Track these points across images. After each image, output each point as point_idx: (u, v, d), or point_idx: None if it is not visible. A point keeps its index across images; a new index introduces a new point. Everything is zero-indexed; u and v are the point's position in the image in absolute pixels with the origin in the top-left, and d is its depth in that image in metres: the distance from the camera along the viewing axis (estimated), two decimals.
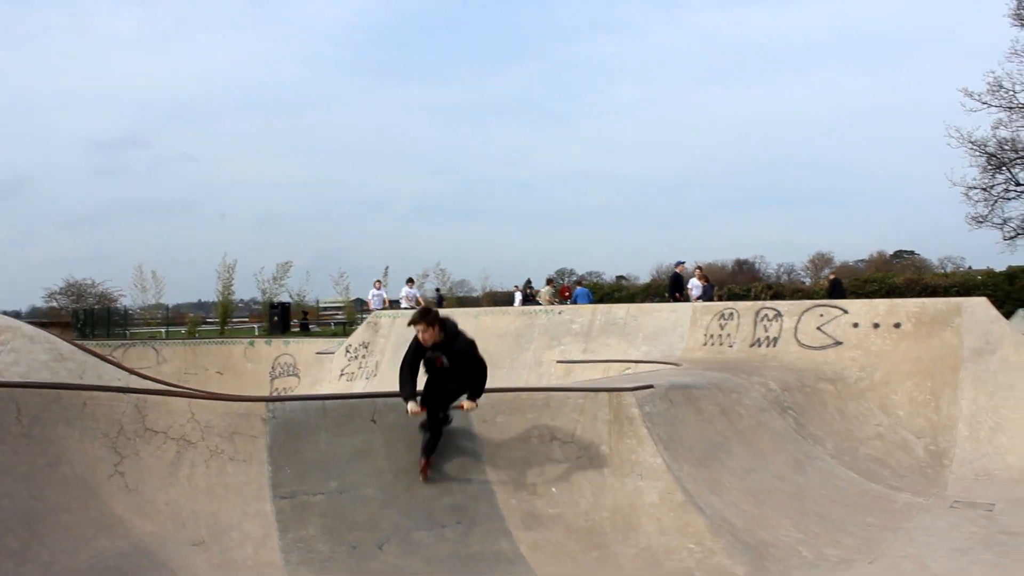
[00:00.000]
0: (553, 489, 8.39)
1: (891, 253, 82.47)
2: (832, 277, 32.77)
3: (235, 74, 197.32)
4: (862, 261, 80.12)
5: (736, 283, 57.14)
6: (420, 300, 29.73)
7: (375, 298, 27.84)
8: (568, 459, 8.68)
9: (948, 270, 64.81)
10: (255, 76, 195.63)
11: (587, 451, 8.81)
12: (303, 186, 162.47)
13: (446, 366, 7.92)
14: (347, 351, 22.17)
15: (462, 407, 8.13)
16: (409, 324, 7.99)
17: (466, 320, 20.81)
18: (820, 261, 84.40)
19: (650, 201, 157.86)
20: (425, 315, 7.93)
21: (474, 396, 8.14)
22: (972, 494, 10.49)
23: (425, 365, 7.95)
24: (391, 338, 21.26)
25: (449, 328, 7.96)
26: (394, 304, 27.99)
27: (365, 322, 23.45)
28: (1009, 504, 9.95)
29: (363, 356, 21.23)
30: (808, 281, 68.51)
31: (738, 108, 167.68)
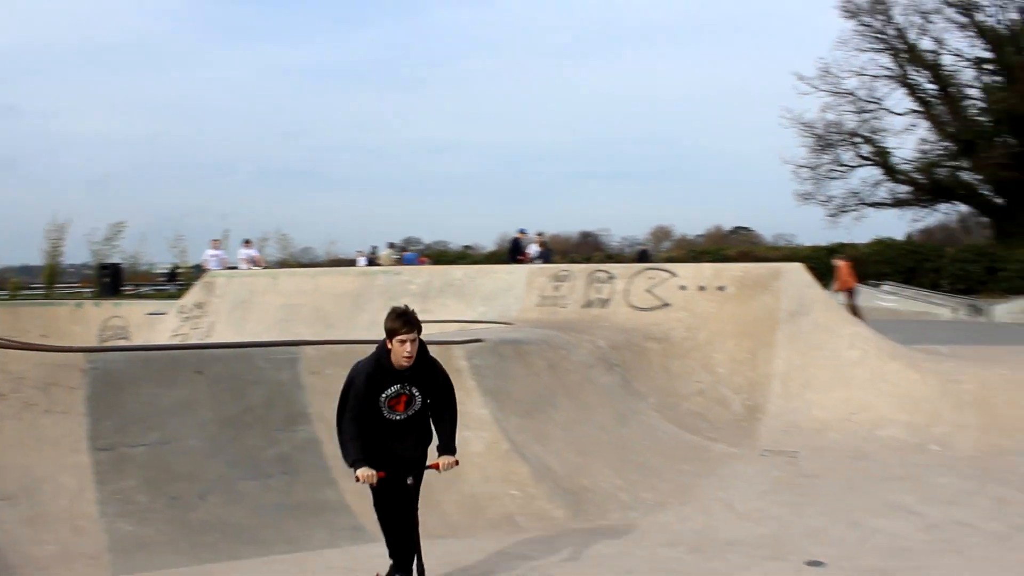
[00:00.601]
0: None
1: (729, 229, 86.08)
2: (641, 249, 34.33)
3: (69, 20, 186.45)
4: (701, 236, 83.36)
5: (579, 253, 58.45)
6: (258, 260, 28.99)
7: (212, 259, 26.88)
8: None
9: (781, 246, 68.25)
10: (93, 24, 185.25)
11: None
12: (141, 146, 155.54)
13: (416, 408, 5.57)
14: (180, 312, 21.56)
15: (437, 467, 5.55)
16: (391, 330, 5.39)
17: (304, 280, 20.69)
18: (660, 234, 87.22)
19: (500, 172, 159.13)
20: (412, 319, 5.40)
21: (451, 446, 5.61)
22: (780, 444, 11.19)
23: (384, 411, 5.49)
24: (227, 298, 20.79)
25: (424, 346, 5.58)
26: (232, 268, 27.22)
27: (200, 282, 22.80)
28: (811, 451, 10.73)
29: (197, 317, 20.69)
30: (651, 252, 70.64)
31: (588, 83, 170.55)
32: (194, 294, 22.10)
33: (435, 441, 5.68)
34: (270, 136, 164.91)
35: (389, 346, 5.42)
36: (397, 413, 5.51)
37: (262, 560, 6.65)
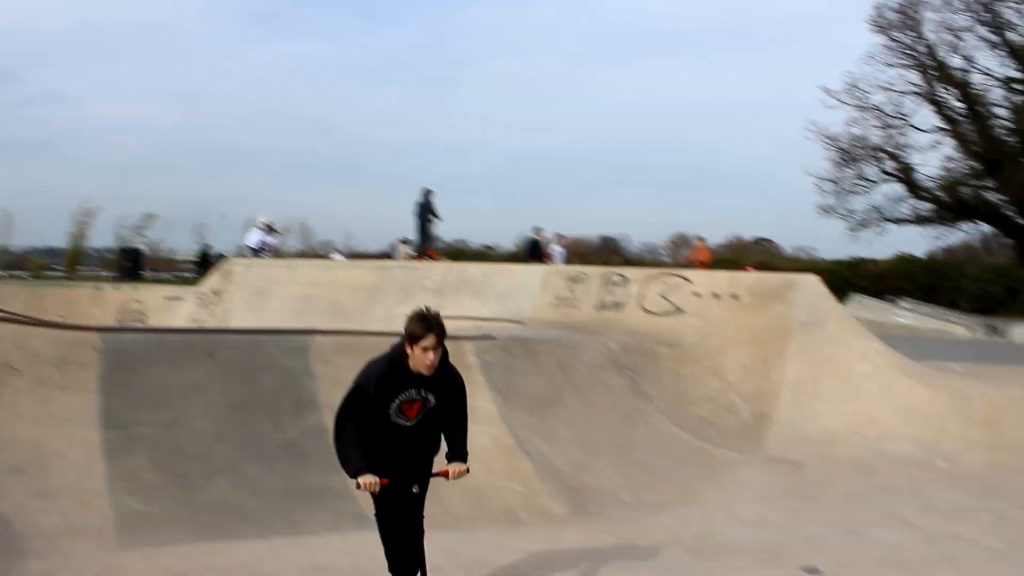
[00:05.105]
0: None
1: (750, 239, 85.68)
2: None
3: (111, 10, 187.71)
4: (722, 245, 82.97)
5: (598, 257, 58.45)
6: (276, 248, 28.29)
7: (255, 240, 25.51)
8: None
9: (801, 258, 67.93)
10: (132, 14, 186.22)
11: None
12: (168, 134, 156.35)
13: (427, 413, 5.08)
14: (198, 298, 21.73)
15: (446, 474, 5.07)
16: (412, 335, 4.80)
17: (321, 272, 20.87)
18: (680, 241, 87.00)
19: (519, 175, 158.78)
20: (438, 325, 4.84)
21: (463, 453, 5.15)
22: (786, 452, 11.21)
23: (393, 415, 4.96)
24: (244, 286, 20.89)
25: (446, 352, 5.05)
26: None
27: (218, 269, 22.98)
28: (818, 461, 10.73)
29: (214, 304, 20.85)
30: (668, 260, 70.54)
31: (614, 89, 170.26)
32: (212, 281, 22.26)
33: (443, 448, 5.19)
34: (294, 129, 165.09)
35: (408, 350, 4.83)
36: (407, 419, 5.01)
37: (264, 541, 6.75)
